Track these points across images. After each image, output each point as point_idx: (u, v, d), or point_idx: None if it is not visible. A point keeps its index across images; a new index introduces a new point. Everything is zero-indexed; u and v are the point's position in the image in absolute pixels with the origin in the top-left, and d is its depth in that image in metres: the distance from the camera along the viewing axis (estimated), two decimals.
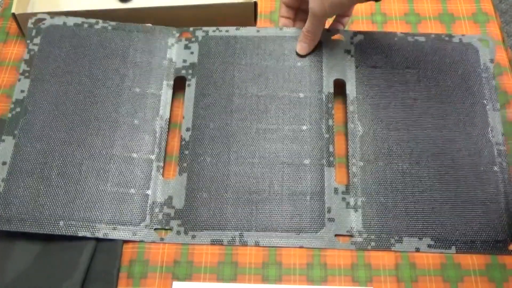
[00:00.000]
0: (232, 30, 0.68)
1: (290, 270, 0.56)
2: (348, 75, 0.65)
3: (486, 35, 0.71)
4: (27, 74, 0.64)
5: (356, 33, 0.67)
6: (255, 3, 0.69)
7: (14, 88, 0.67)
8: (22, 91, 0.63)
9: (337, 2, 0.59)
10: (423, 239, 0.57)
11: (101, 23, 0.68)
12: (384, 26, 0.72)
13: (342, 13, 0.68)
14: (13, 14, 0.67)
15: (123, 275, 0.56)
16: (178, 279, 0.56)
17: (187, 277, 0.56)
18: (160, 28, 0.68)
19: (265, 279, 0.56)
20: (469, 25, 0.73)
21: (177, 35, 0.68)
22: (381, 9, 0.74)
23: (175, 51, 0.67)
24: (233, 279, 0.56)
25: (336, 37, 0.68)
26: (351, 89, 0.64)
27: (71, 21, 0.67)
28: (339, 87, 0.65)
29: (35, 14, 0.69)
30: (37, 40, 0.66)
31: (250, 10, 0.70)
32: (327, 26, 0.68)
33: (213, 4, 0.69)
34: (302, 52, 0.66)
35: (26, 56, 0.65)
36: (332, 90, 0.64)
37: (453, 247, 0.57)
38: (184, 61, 0.66)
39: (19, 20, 0.68)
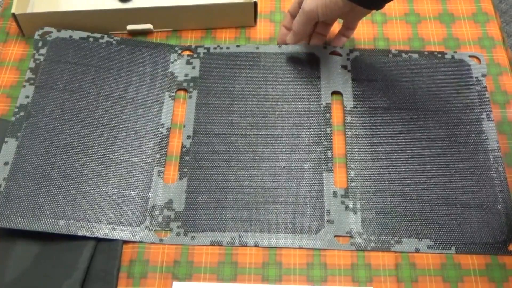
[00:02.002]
0: (232, 47, 0.69)
1: (290, 270, 0.56)
2: (345, 88, 0.67)
3: (486, 35, 0.72)
4: (32, 81, 0.65)
5: (352, 50, 0.69)
6: (255, 3, 0.69)
7: (14, 88, 0.67)
8: (27, 97, 0.64)
9: (331, 6, 0.59)
10: (423, 240, 0.57)
11: (106, 38, 0.69)
12: (384, 26, 0.73)
13: (346, 24, 0.68)
14: (13, 14, 0.67)
15: (123, 275, 0.56)
16: (178, 279, 0.56)
17: (187, 277, 0.56)
18: (163, 44, 0.70)
19: (265, 279, 0.56)
20: (469, 25, 0.73)
21: (180, 51, 0.69)
22: (381, 9, 0.74)
23: (178, 66, 0.68)
24: (233, 279, 0.56)
25: (333, 53, 0.69)
26: (348, 101, 0.66)
27: (77, 34, 0.69)
28: (340, 94, 0.67)
29: (35, 14, 0.69)
30: (43, 51, 0.67)
31: (250, 10, 0.70)
32: (333, 28, 0.68)
33: (213, 4, 0.69)
34: (287, 41, 0.68)
35: (32, 65, 0.66)
36: (330, 101, 0.66)
37: (453, 248, 0.57)
38: (186, 75, 0.68)
39: (19, 20, 0.68)
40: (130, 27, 0.70)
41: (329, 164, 0.62)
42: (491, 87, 0.67)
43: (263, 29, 0.73)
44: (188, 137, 0.63)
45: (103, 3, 0.74)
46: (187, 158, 0.62)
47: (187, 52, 0.70)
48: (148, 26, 0.71)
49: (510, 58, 0.70)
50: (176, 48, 0.70)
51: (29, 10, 0.72)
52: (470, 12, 0.74)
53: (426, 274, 0.56)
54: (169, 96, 0.66)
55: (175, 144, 0.64)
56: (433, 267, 0.56)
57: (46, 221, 0.57)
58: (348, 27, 0.68)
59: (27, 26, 0.69)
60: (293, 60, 0.68)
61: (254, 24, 0.73)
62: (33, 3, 0.73)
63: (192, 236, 0.58)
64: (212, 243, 0.57)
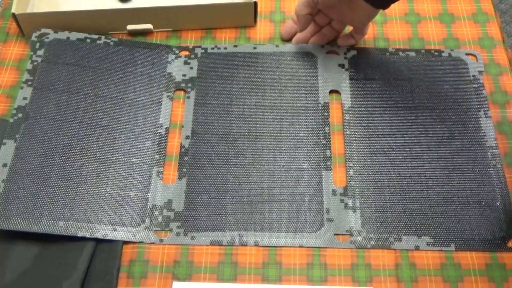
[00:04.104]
0: (230, 47, 0.70)
1: (290, 270, 0.56)
2: (343, 87, 0.67)
3: (486, 35, 0.72)
4: (29, 82, 0.65)
5: (349, 49, 0.70)
6: (255, 3, 0.69)
7: (14, 88, 0.67)
8: (25, 98, 0.64)
9: None
10: (422, 237, 0.57)
11: (103, 39, 0.69)
12: (384, 26, 0.72)
13: (355, 29, 0.68)
14: (13, 14, 0.67)
15: (123, 275, 0.56)
16: (178, 279, 0.56)
17: (187, 277, 0.56)
18: (160, 45, 0.70)
19: (265, 279, 0.56)
20: (469, 25, 0.73)
21: (177, 52, 0.69)
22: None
23: (175, 66, 0.68)
24: (233, 279, 0.56)
25: (330, 53, 0.69)
26: (346, 99, 0.66)
27: (74, 36, 0.69)
28: (338, 93, 0.67)
29: (35, 14, 0.69)
30: (40, 52, 0.67)
31: (250, 10, 0.70)
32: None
33: (213, 4, 0.69)
34: (282, 32, 0.71)
35: (29, 66, 0.66)
36: (327, 100, 0.66)
37: (452, 245, 0.57)
38: (184, 75, 0.68)
39: (19, 20, 0.68)
40: (130, 27, 0.70)
41: (328, 163, 0.62)
42: (491, 87, 0.67)
43: (263, 29, 0.73)
44: (187, 137, 0.63)
45: (103, 3, 0.74)
46: (186, 158, 0.62)
47: (185, 53, 0.70)
48: (148, 26, 0.71)
49: (510, 58, 0.70)
50: (174, 49, 0.70)
51: (29, 10, 0.72)
52: (470, 12, 0.74)
53: (426, 274, 0.56)
54: (167, 96, 0.66)
55: (174, 144, 0.64)
56: (433, 267, 0.56)
57: (46, 223, 0.57)
58: (357, 32, 0.68)
59: (27, 26, 0.69)
60: (290, 59, 0.68)
61: (254, 24, 0.73)
62: (33, 3, 0.73)
63: (192, 236, 0.58)
64: (212, 243, 0.57)
